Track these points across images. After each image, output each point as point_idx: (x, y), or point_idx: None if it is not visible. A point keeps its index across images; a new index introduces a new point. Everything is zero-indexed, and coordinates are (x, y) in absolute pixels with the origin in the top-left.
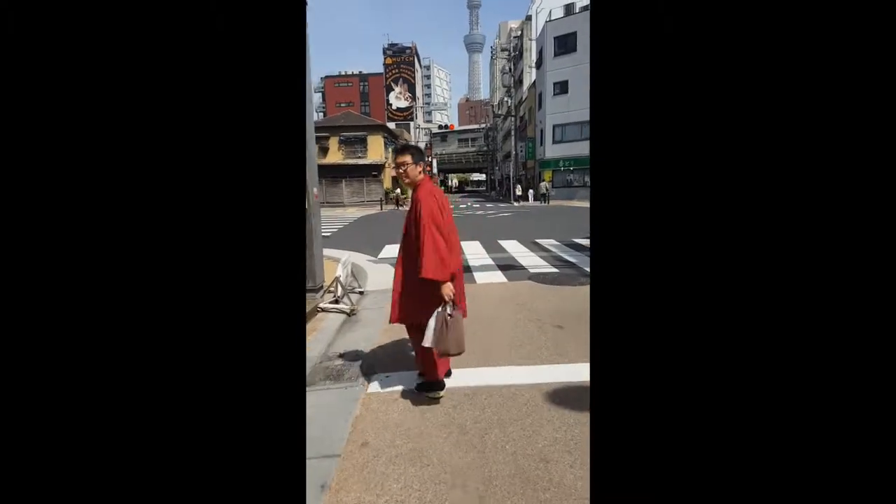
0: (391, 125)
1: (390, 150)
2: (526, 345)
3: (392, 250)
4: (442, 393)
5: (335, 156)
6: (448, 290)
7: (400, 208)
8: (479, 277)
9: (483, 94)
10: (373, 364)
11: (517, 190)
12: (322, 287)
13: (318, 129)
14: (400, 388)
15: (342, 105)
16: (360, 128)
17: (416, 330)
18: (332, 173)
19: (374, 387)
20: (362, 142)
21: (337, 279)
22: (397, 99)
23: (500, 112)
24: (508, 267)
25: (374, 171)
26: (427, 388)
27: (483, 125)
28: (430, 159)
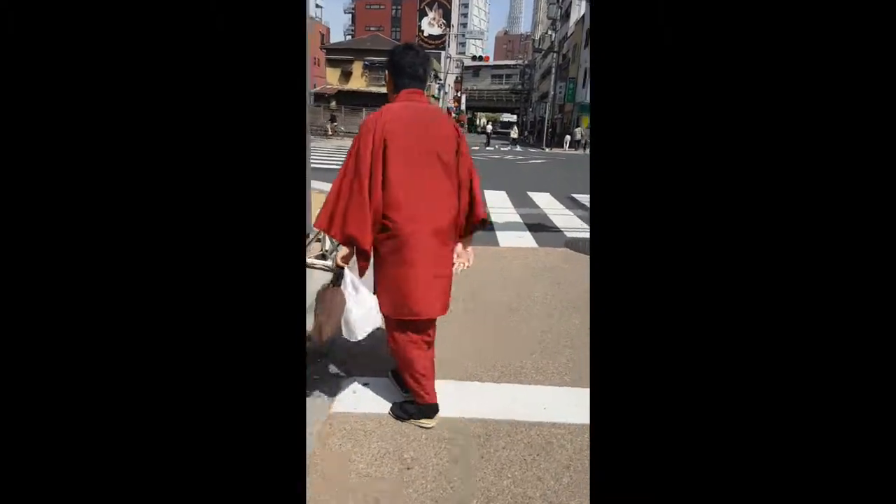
0: None
1: None
2: (565, 348)
3: None
4: (432, 422)
5: (358, 81)
6: (339, 256)
7: None
8: (503, 238)
9: (524, 27)
10: (347, 360)
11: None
12: (309, 235)
13: (342, 51)
14: (379, 407)
15: (371, 29)
16: (386, 52)
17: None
18: (353, 101)
19: (344, 402)
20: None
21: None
22: (430, 25)
23: (540, 47)
24: (540, 227)
25: None
26: (412, 412)
27: (520, 61)
28: (458, 94)
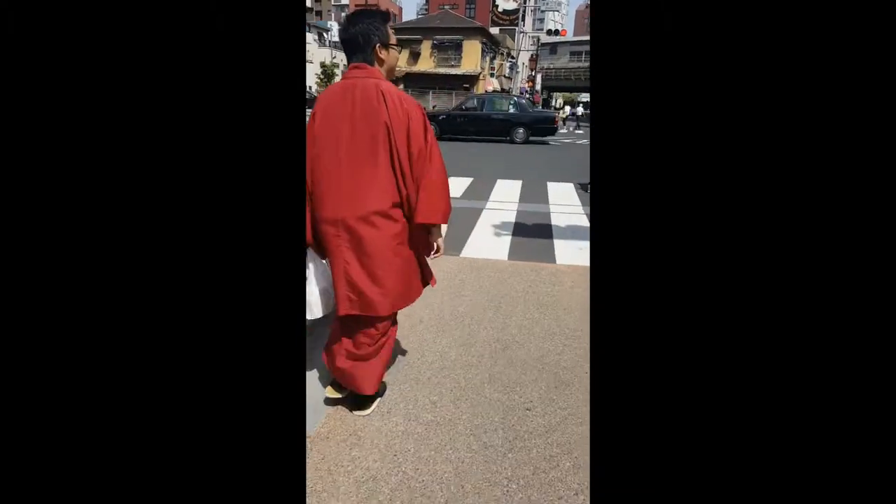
0: (494, 30)
1: (487, 58)
2: None
3: (470, 188)
4: (364, 411)
5: (426, 63)
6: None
7: None
8: (562, 250)
9: None
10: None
11: None
12: None
13: (409, 30)
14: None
15: (445, 8)
16: (456, 30)
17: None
18: (420, 83)
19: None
20: (457, 48)
21: None
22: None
23: None
24: None
25: (466, 83)
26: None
27: None
28: (533, 73)
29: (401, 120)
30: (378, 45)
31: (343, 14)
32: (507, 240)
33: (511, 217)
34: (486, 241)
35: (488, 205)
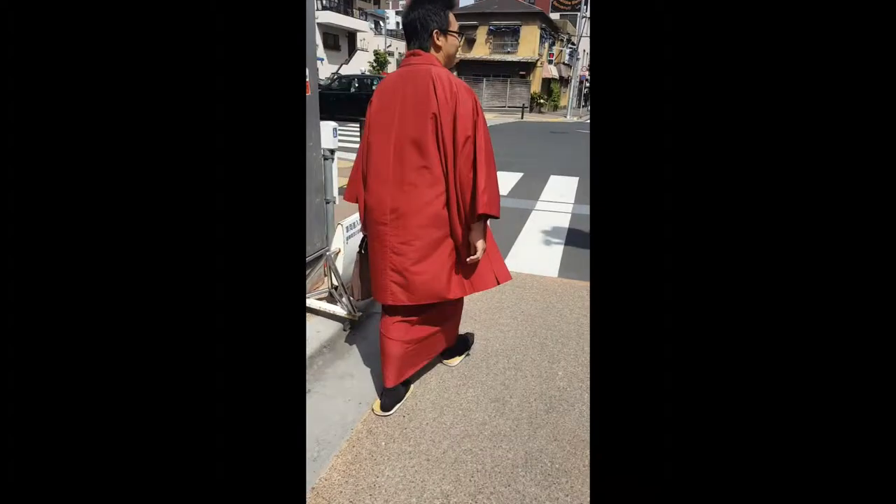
0: (554, 16)
1: (546, 45)
2: None
3: (520, 184)
4: (380, 411)
5: (481, 49)
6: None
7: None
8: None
9: None
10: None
11: None
12: (323, 254)
13: (464, 16)
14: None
15: None
16: (514, 15)
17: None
18: (473, 70)
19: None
20: (514, 33)
21: (328, 258)
22: None
23: None
24: None
25: (523, 70)
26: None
27: None
28: None
29: (448, 105)
30: (436, 31)
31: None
32: (558, 250)
33: (564, 221)
34: (534, 251)
35: (538, 205)
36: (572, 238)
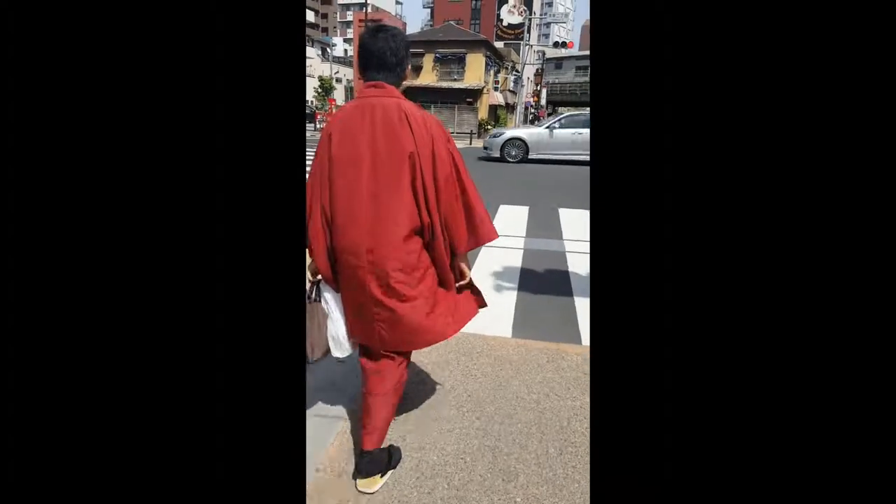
0: (498, 44)
1: (492, 72)
2: None
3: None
4: (365, 484)
5: (428, 76)
6: (308, 267)
7: None
8: (587, 316)
9: None
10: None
11: None
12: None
13: (412, 44)
14: None
15: (451, 22)
16: (459, 43)
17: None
18: (421, 97)
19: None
20: (460, 61)
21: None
22: (510, 13)
23: None
24: None
25: (470, 97)
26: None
27: None
28: (538, 88)
29: (425, 143)
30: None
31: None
32: (510, 298)
33: (517, 259)
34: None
35: None
36: (526, 281)
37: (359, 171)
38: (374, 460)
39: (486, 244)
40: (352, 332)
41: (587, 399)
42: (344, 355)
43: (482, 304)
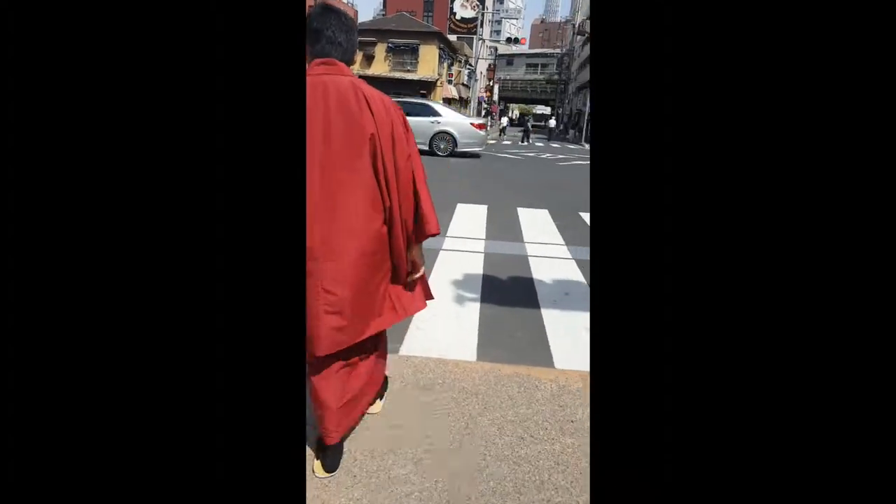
0: (452, 38)
1: (445, 65)
2: None
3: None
4: (324, 473)
5: (380, 66)
6: None
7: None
8: (556, 329)
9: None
10: None
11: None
12: None
13: (364, 32)
14: None
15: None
16: (412, 34)
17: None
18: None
19: None
20: (413, 52)
21: None
22: (462, 7)
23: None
24: None
25: (423, 89)
26: (314, 447)
27: (557, 50)
28: (491, 83)
29: (386, 124)
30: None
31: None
32: (474, 311)
33: (477, 265)
34: (444, 316)
35: (446, 242)
36: (489, 290)
37: (314, 154)
38: (336, 451)
39: (445, 248)
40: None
41: (568, 441)
42: None
43: (429, 296)
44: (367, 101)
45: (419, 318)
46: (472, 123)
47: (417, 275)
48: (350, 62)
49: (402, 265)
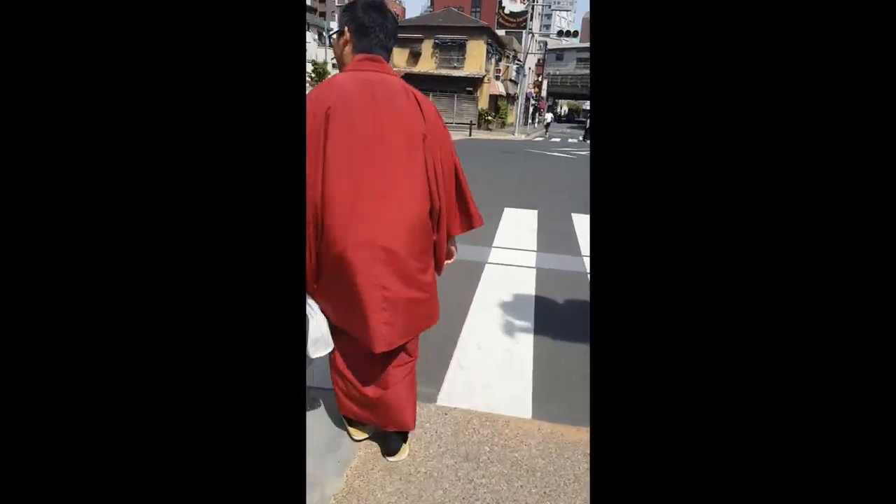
0: (500, 32)
1: (493, 60)
2: None
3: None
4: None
5: (426, 63)
6: None
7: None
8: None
9: None
10: None
11: None
12: None
13: (410, 28)
14: None
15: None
16: (459, 30)
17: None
18: (420, 84)
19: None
20: (460, 48)
21: None
22: (511, 1)
23: None
24: None
25: (470, 86)
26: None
27: None
28: (539, 79)
29: (437, 127)
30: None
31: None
32: (527, 345)
33: (529, 282)
34: (492, 351)
35: (492, 254)
36: (544, 315)
37: (369, 154)
38: (404, 436)
39: (491, 261)
40: (348, 330)
41: None
42: (326, 352)
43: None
44: (417, 101)
45: (462, 355)
46: None
47: (451, 261)
48: (390, 52)
49: (441, 260)
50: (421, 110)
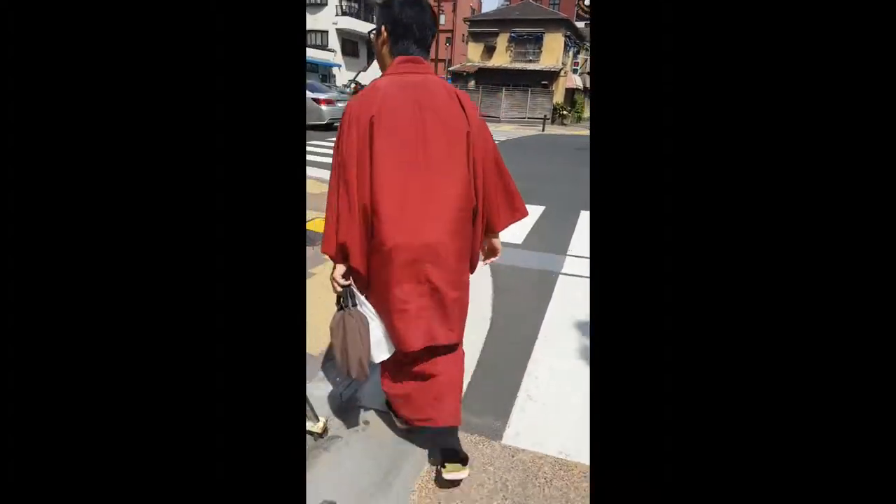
0: (580, 24)
1: (570, 53)
2: None
3: (540, 226)
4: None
5: (501, 57)
6: (336, 273)
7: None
8: None
9: None
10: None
11: None
12: None
13: (485, 23)
14: None
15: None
16: (537, 22)
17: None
18: (492, 80)
19: None
20: (537, 41)
21: None
22: None
23: None
24: None
25: (545, 80)
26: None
27: None
28: None
29: (479, 124)
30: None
31: None
32: (582, 377)
33: (583, 295)
34: (564, 383)
35: (567, 263)
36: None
37: (414, 156)
38: (457, 440)
39: (564, 272)
40: (402, 335)
41: None
42: (388, 356)
43: None
44: (459, 99)
45: (532, 384)
46: (315, 99)
47: (496, 257)
48: (428, 50)
49: (475, 259)
50: (463, 109)
